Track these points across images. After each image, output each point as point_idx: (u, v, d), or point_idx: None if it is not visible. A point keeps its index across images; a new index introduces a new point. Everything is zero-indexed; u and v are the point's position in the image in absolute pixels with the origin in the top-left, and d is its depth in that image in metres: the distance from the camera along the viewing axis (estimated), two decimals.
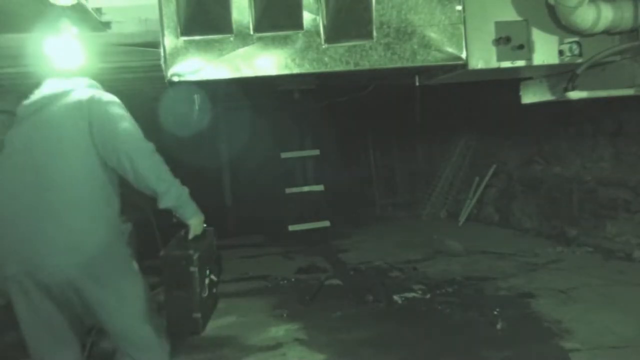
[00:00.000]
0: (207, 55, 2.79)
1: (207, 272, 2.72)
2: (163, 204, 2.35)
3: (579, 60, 3.22)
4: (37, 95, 2.49)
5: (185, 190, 2.43)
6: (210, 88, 4.54)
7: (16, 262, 2.22)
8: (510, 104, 4.78)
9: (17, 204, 2.25)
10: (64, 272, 2.22)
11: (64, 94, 2.44)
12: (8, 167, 2.36)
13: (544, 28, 3.18)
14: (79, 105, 2.38)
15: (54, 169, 2.29)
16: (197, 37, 2.77)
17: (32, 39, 3.25)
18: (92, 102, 2.39)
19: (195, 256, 2.57)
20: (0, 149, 2.40)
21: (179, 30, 2.75)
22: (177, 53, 2.77)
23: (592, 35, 3.13)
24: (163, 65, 2.77)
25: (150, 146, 2.36)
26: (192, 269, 2.56)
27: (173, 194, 2.36)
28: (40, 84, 2.54)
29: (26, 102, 2.49)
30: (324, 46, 2.84)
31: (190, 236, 2.57)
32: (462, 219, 8.74)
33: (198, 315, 2.62)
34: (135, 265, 2.50)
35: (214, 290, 2.83)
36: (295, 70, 2.85)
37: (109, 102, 2.42)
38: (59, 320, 2.36)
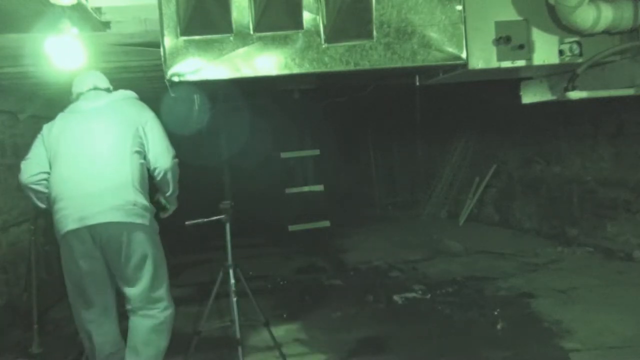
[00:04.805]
0: (207, 55, 2.79)
1: None
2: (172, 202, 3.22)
3: (579, 60, 3.22)
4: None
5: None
6: (210, 88, 4.54)
7: (78, 219, 2.74)
8: (510, 104, 4.79)
9: (80, 175, 2.80)
10: (109, 227, 2.75)
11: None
12: (70, 149, 2.86)
13: (544, 28, 3.18)
14: (134, 106, 2.97)
15: (104, 148, 2.83)
16: (197, 37, 2.77)
17: (32, 39, 3.25)
18: (148, 114, 2.95)
19: None
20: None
21: (179, 30, 2.75)
22: (177, 53, 2.77)
23: (592, 35, 3.13)
24: (163, 65, 2.77)
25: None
26: None
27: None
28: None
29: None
30: (324, 46, 2.84)
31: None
32: (462, 219, 8.74)
33: None
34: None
35: None
36: (295, 70, 2.85)
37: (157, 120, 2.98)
38: (102, 270, 2.85)
